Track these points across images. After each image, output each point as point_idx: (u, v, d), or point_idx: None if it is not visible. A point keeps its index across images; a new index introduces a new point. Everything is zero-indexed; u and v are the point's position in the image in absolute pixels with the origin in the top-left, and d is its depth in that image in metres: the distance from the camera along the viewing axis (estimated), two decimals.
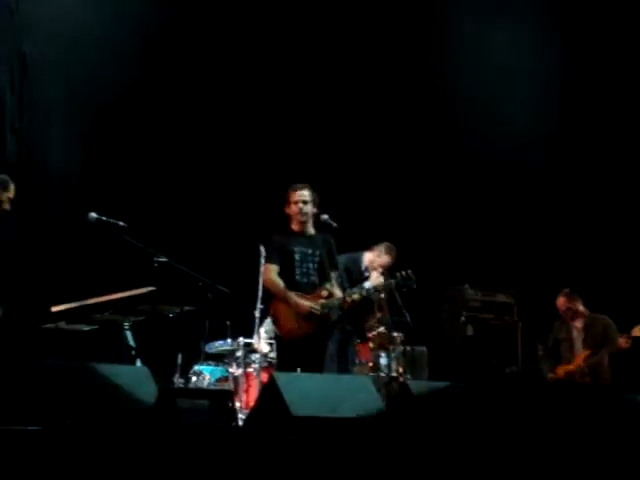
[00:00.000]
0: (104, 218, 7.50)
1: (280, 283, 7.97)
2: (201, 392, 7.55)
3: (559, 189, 11.78)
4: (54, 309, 7.36)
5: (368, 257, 9.35)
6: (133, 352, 7.30)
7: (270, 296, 8.12)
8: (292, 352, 7.88)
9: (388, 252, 9.38)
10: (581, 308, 10.02)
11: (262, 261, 8.17)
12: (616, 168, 11.75)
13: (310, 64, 11.63)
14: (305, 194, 8.02)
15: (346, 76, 11.72)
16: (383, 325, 9.37)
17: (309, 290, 8.01)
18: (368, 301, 8.48)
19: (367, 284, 8.43)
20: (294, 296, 7.93)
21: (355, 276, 8.68)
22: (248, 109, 11.44)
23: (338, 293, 8.04)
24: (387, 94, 11.88)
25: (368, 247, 9.49)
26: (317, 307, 7.92)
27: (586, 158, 11.79)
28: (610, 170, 11.73)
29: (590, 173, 11.79)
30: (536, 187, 11.78)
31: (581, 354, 9.91)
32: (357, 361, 9.18)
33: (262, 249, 8.22)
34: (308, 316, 7.89)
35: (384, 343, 9.43)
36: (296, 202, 8.00)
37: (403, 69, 11.87)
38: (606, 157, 11.77)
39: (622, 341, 9.63)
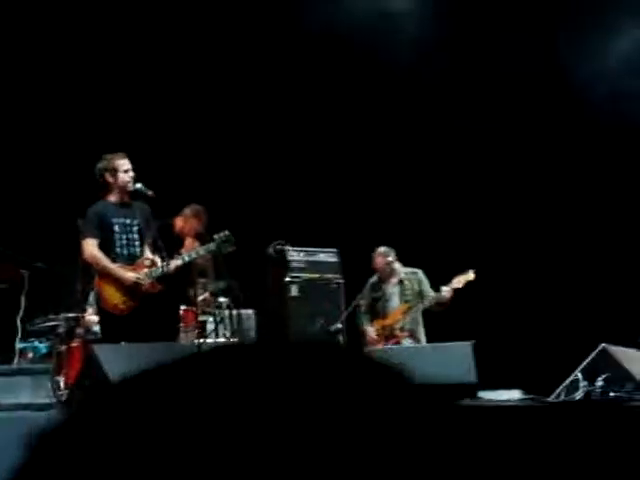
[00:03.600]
0: None
1: (102, 257, 7.83)
2: (20, 370, 7.37)
3: (370, 144, 11.93)
4: None
5: (177, 223, 9.21)
6: None
7: (91, 270, 7.97)
8: (119, 326, 7.77)
9: (195, 215, 9.20)
10: (396, 265, 10.22)
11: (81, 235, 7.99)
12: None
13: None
14: (128, 162, 7.89)
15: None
16: (208, 291, 9.35)
17: (130, 261, 7.91)
18: (187, 267, 8.43)
19: (183, 251, 8.39)
20: (118, 269, 7.81)
21: (168, 244, 8.58)
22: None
23: (158, 262, 7.96)
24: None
25: (177, 213, 9.32)
26: (142, 277, 7.83)
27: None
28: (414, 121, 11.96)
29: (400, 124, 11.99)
30: (345, 141, 11.90)
31: (399, 308, 10.13)
32: (182, 327, 9.13)
33: (80, 223, 8.04)
34: (134, 288, 7.80)
35: (210, 308, 9.43)
36: (126, 171, 7.84)
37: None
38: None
39: (446, 291, 9.83)
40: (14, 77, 11.01)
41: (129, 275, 7.81)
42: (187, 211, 9.18)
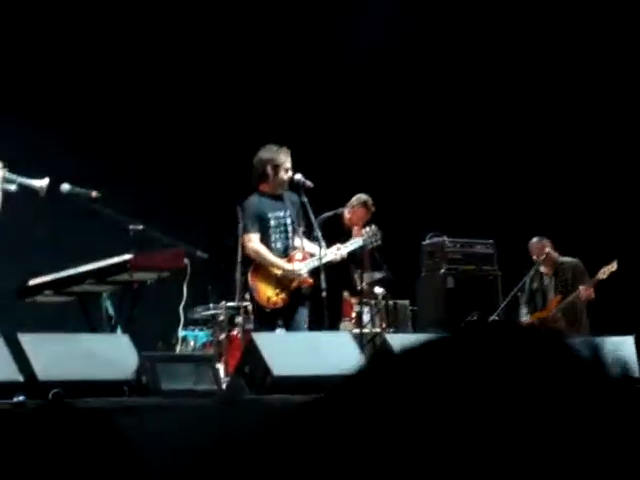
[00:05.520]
0: (77, 189, 7.46)
1: (265, 251, 7.91)
2: (183, 357, 7.56)
3: (529, 134, 11.80)
4: (32, 283, 7.35)
5: (345, 214, 9.18)
6: (113, 321, 7.29)
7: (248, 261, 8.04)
8: (271, 319, 7.88)
9: (360, 204, 9.09)
10: (553, 254, 10.06)
11: (240, 225, 8.04)
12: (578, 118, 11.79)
13: None
14: (290, 161, 7.90)
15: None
16: (364, 281, 9.38)
17: (284, 254, 7.99)
18: (354, 256, 8.51)
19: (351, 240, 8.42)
20: (280, 262, 7.90)
21: (338, 235, 8.59)
22: (216, 69, 11.41)
23: (309, 255, 8.01)
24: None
25: (345, 203, 9.28)
26: (297, 269, 7.91)
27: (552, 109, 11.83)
28: (575, 116, 11.76)
29: (559, 117, 11.81)
30: (506, 133, 11.80)
31: (553, 300, 9.99)
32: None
33: (239, 211, 8.11)
34: (287, 281, 7.87)
35: (366, 299, 9.47)
36: (287, 169, 7.89)
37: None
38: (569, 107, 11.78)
39: (583, 288, 9.74)
40: (179, 72, 11.28)
41: (289, 267, 7.90)
42: (354, 201, 9.15)
